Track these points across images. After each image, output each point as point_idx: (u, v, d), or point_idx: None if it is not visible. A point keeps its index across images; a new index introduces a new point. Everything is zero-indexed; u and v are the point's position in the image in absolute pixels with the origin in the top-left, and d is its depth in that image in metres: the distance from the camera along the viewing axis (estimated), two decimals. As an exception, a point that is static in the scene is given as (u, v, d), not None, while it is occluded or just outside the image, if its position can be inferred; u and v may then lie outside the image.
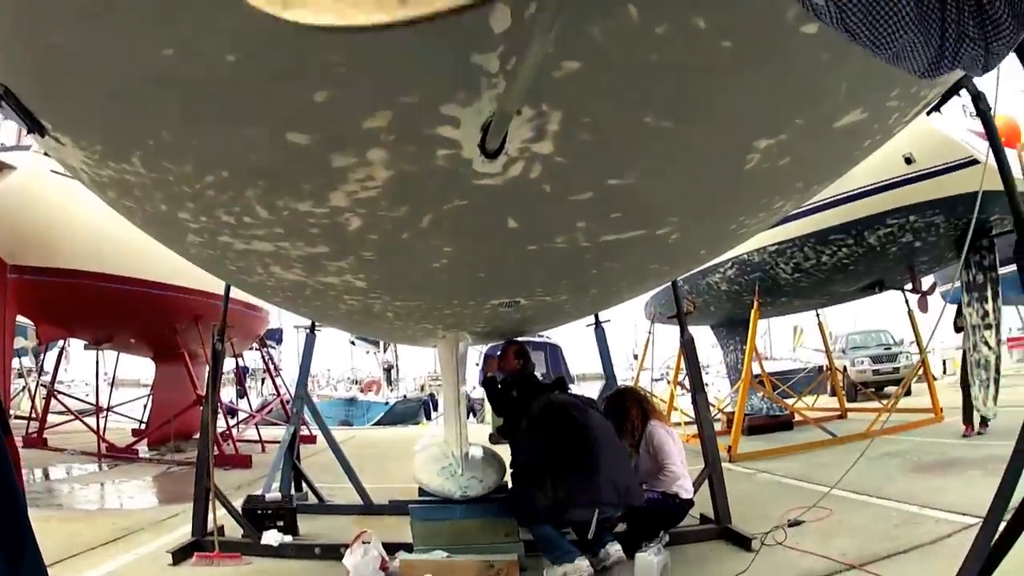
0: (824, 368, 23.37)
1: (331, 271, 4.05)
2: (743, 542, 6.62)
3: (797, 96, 2.60)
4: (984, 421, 10.36)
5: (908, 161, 9.94)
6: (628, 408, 7.10)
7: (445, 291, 4.81)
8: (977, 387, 10.21)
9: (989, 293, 10.15)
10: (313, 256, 3.75)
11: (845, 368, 21.12)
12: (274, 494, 7.87)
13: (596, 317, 9.67)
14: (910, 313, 14.83)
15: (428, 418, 33.81)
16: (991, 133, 4.23)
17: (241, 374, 20.83)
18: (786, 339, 37.21)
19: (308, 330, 9.53)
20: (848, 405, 17.21)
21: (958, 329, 11.29)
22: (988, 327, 10.12)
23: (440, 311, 5.42)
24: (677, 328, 7.97)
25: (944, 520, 6.59)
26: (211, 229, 3.47)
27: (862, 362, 22.77)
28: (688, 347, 7.93)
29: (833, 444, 12.25)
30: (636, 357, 40.85)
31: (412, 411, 34.18)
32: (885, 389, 20.65)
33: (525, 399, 6.91)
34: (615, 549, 6.05)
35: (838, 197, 10.78)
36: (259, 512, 7.33)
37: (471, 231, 3.46)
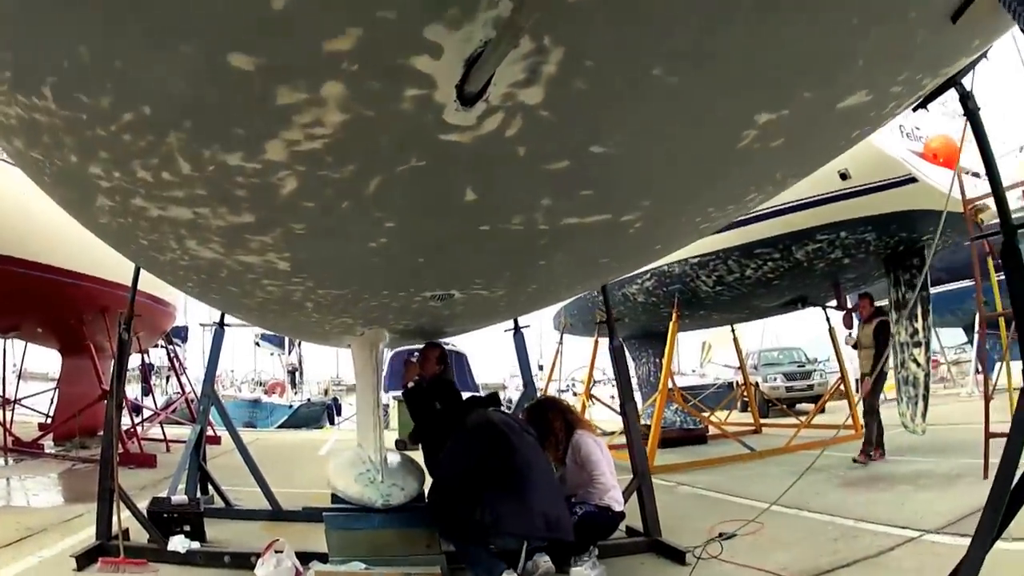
0: (735, 384, 23.51)
1: (253, 248, 3.56)
2: (676, 555, 6.31)
3: (815, 63, 2.43)
4: (880, 447, 10.36)
5: (843, 177, 9.74)
6: (551, 419, 6.69)
7: (377, 278, 4.40)
8: (905, 404, 10.20)
9: (919, 311, 10.09)
10: (235, 228, 3.26)
11: (757, 384, 21.00)
12: (180, 497, 7.30)
13: (515, 322, 9.30)
14: (831, 330, 14.77)
15: (332, 423, 32.95)
16: (979, 132, 4.01)
17: (147, 371, 20.00)
18: (694, 355, 37.28)
19: (216, 325, 9.05)
20: (761, 421, 17.08)
21: (855, 346, 11.35)
22: (917, 345, 10.11)
23: (366, 302, 4.98)
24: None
25: (884, 533, 6.43)
26: (124, 189, 2.96)
27: (775, 378, 22.80)
28: (618, 354, 7.57)
29: (752, 458, 12.14)
30: (541, 368, 40.99)
31: (316, 415, 33.38)
32: (796, 406, 20.56)
33: (449, 409, 6.61)
34: (544, 561, 5.73)
35: (767, 211, 10.40)
36: (165, 516, 6.83)
37: (422, 202, 3.05)
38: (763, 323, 19.74)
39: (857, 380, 11.18)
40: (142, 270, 6.76)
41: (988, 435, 8.27)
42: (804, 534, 6.75)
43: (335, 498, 6.31)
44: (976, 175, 9.40)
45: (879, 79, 2.66)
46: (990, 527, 3.64)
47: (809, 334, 24.74)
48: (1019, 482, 3.67)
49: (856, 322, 11.69)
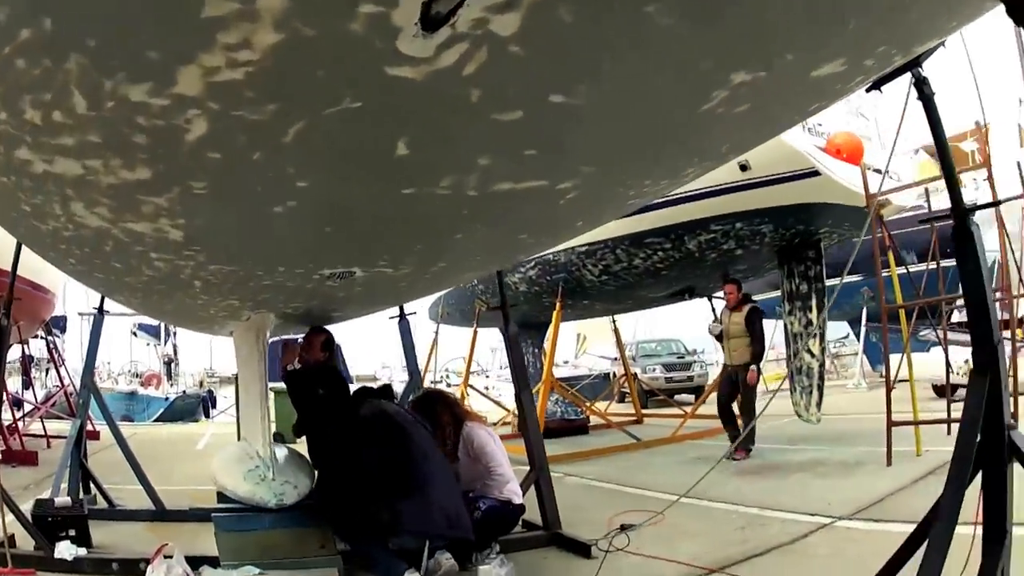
0: (611, 375, 23.51)
1: (145, 213, 3.08)
2: (581, 549, 6.05)
3: (813, 21, 2.19)
4: (746, 447, 9.96)
5: (743, 168, 9.59)
6: (439, 413, 6.31)
7: (275, 252, 3.93)
8: (799, 393, 10.24)
9: (813, 303, 10.19)
10: (128, 186, 2.78)
11: (636, 375, 21.06)
12: (63, 499, 6.72)
13: (401, 309, 8.88)
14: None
15: (207, 415, 32.30)
16: (933, 119, 3.87)
17: (27, 362, 18.91)
18: (569, 346, 37.12)
19: (96, 311, 8.41)
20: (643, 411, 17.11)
21: (719, 336, 10.96)
22: (812, 335, 10.23)
23: (258, 281, 4.51)
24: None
25: (792, 520, 6.38)
26: (9, 137, 2.48)
27: (654, 369, 22.76)
28: (514, 341, 7.30)
29: (637, 448, 12.05)
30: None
31: (191, 408, 32.53)
32: (675, 397, 20.63)
33: (334, 398, 6.11)
34: (446, 559, 5.51)
35: (659, 200, 10.30)
36: (50, 520, 6.28)
37: (344, 156, 2.62)
38: (636, 315, 19.75)
39: (726, 367, 10.68)
40: (22, 253, 6.27)
41: (891, 424, 8.42)
42: (708, 524, 6.61)
43: (221, 497, 5.75)
44: (877, 171, 9.50)
45: (860, 48, 2.49)
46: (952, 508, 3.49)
47: (684, 326, 25.18)
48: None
49: (722, 310, 11.18)
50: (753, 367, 10.14)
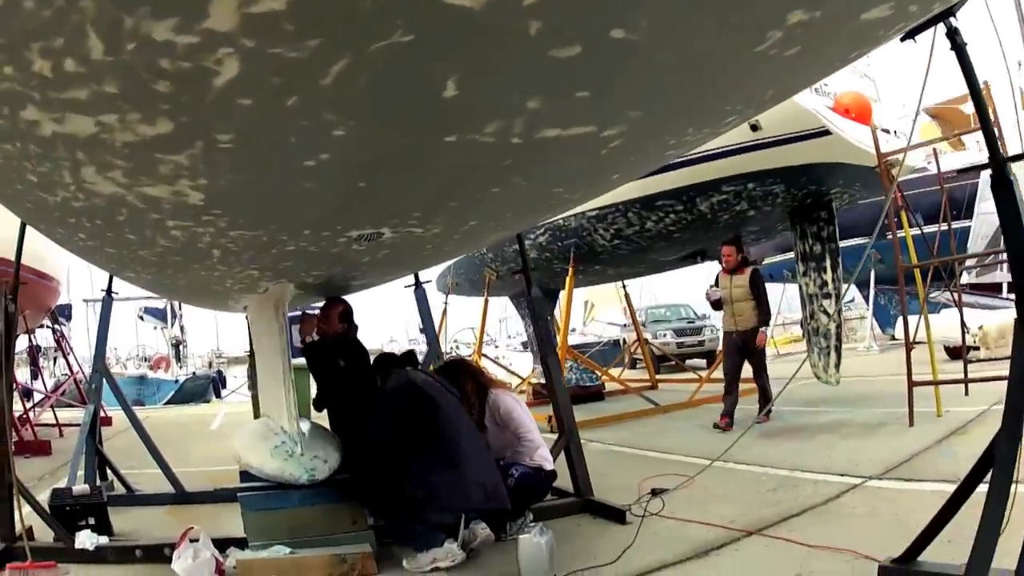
0: (622, 342, 23.33)
1: (163, 174, 2.83)
2: (614, 514, 5.89)
3: None
4: (729, 414, 9.78)
5: (754, 128, 9.33)
6: (463, 382, 6.07)
7: (302, 213, 3.68)
8: (816, 355, 10.02)
9: (828, 263, 10.00)
10: (146, 144, 2.52)
11: (647, 341, 20.90)
12: (81, 487, 6.50)
13: (417, 277, 8.66)
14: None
15: (218, 396, 32.24)
16: (968, 69, 3.75)
17: (35, 352, 18.69)
18: (577, 313, 37.23)
19: (104, 293, 8.18)
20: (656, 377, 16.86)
21: (715, 306, 10.59)
22: (827, 296, 10.00)
23: (282, 247, 4.25)
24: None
25: (823, 481, 6.29)
26: (15, 95, 2.21)
27: (665, 335, 22.41)
28: (537, 305, 7.07)
29: (655, 413, 11.89)
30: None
31: (202, 389, 32.37)
32: (687, 362, 20.47)
33: (356, 369, 5.98)
34: (481, 529, 5.37)
35: (670, 161, 10.09)
36: (68, 509, 6.08)
37: (390, 98, 2.36)
38: (641, 282, 19.51)
39: (730, 334, 10.20)
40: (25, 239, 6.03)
41: (911, 384, 8.23)
42: (739, 487, 6.49)
43: (245, 475, 5.52)
44: (886, 131, 9.42)
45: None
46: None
47: (686, 292, 25.01)
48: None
49: (718, 274, 10.66)
50: (763, 329, 9.88)
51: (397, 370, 5.76)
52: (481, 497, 4.95)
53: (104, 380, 7.99)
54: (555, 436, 6.63)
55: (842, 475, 6.33)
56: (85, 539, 5.68)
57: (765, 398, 9.59)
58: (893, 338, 20.70)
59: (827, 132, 9.19)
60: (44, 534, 5.94)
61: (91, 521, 6.01)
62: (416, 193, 3.59)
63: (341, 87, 2.17)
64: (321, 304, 6.45)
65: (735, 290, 10.06)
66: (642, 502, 6.01)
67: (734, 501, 6.00)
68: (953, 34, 3.67)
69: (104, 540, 5.76)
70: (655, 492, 6.30)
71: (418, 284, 8.75)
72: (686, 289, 25.26)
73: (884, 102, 10.49)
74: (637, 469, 7.51)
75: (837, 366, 9.87)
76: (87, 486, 6.58)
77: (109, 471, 8.07)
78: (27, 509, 5.74)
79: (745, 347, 9.97)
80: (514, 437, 5.91)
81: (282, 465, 5.20)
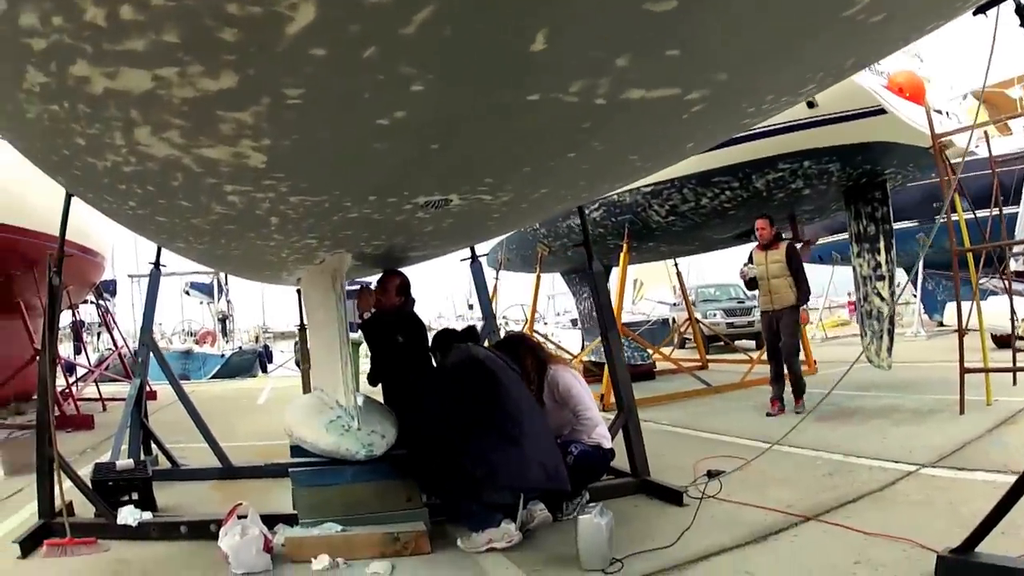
0: (670, 321, 23.04)
1: (224, 134, 2.65)
2: (671, 496, 5.76)
3: None
4: (778, 398, 9.43)
5: (811, 105, 9.11)
6: (522, 357, 5.87)
7: (371, 176, 3.46)
8: (869, 338, 9.78)
9: (882, 244, 9.73)
10: (207, 100, 2.34)
11: (697, 320, 20.65)
12: (125, 461, 6.39)
13: (473, 250, 8.38)
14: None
15: (264, 371, 32.12)
16: None
17: (79, 327, 18.74)
18: (626, 291, 37.00)
19: (152, 267, 8.02)
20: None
21: (749, 285, 10.07)
22: (881, 278, 9.76)
23: (344, 214, 4.04)
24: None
25: (879, 468, 6.18)
26: (65, 48, 2.04)
27: (715, 315, 22.21)
28: (599, 279, 6.80)
29: (707, 393, 11.72)
30: (471, 307, 40.41)
31: (248, 363, 32.26)
32: (736, 343, 20.18)
33: (414, 344, 5.85)
34: (539, 510, 5.16)
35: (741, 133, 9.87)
36: (111, 484, 5.97)
37: (475, 50, 2.17)
38: (688, 260, 19.20)
39: (767, 313, 9.68)
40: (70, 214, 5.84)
41: (963, 371, 8.04)
42: (794, 470, 6.39)
43: (296, 450, 5.40)
44: (938, 112, 9.22)
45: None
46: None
47: (730, 271, 24.64)
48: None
49: (752, 250, 10.22)
50: (803, 307, 9.53)
51: (458, 345, 5.60)
52: (542, 476, 4.77)
53: (151, 353, 7.86)
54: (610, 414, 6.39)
55: (896, 462, 6.24)
56: (127, 515, 5.55)
57: (796, 384, 9.33)
58: (940, 324, 20.29)
59: (882, 111, 8.97)
60: (85, 510, 5.82)
61: (134, 496, 5.92)
62: (490, 157, 3.41)
63: (423, 37, 1.99)
64: (377, 277, 6.29)
65: (771, 266, 9.59)
66: (698, 484, 5.84)
67: (790, 485, 5.90)
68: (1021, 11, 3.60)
69: (148, 516, 5.62)
70: (711, 474, 6.10)
71: (474, 257, 8.42)
72: (734, 268, 24.98)
73: (934, 83, 10.23)
74: (692, 450, 7.40)
75: (890, 350, 9.62)
76: (131, 460, 6.50)
77: (154, 445, 7.99)
78: (68, 484, 5.64)
79: (780, 326, 9.52)
80: (573, 414, 5.74)
81: (338, 440, 5.02)
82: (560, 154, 3.43)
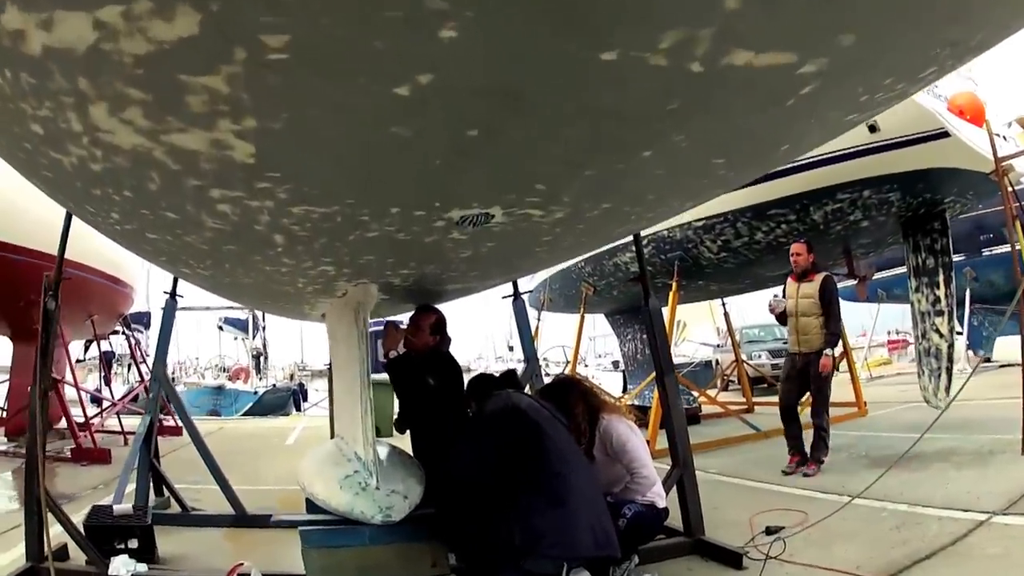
0: (713, 363, 22.15)
1: (196, 109, 1.95)
2: (729, 558, 5.04)
3: None
4: (798, 451, 8.14)
5: (872, 129, 8.41)
6: (572, 404, 5.06)
7: (390, 177, 2.67)
8: (927, 376, 9.04)
9: (941, 278, 8.97)
10: (165, 55, 1.68)
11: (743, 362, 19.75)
12: (123, 506, 5.75)
13: (515, 286, 7.66)
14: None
15: (298, 409, 31.31)
16: None
17: (108, 358, 18.23)
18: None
19: (168, 295, 7.36)
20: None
21: (781, 316, 8.63)
22: (940, 314, 8.97)
23: (361, 232, 3.26)
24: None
25: (948, 518, 5.48)
26: None
27: (759, 356, 21.16)
28: (655, 318, 6.05)
29: (757, 439, 10.76)
30: (511, 349, 39.59)
31: (282, 401, 31.43)
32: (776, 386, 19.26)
33: (447, 388, 5.20)
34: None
35: (783, 167, 9.10)
36: (107, 529, 5.38)
37: None
38: (729, 300, 18.34)
39: (793, 355, 8.36)
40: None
41: None
42: (858, 524, 5.63)
43: (311, 504, 4.68)
44: (997, 135, 8.43)
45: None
46: None
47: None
48: None
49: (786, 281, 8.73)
50: (828, 352, 7.92)
51: (496, 392, 4.79)
52: (590, 543, 4.00)
53: (162, 388, 7.22)
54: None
55: (965, 510, 5.57)
56: (120, 566, 5.01)
57: (821, 440, 7.99)
58: (987, 360, 19.28)
59: (945, 134, 8.26)
60: (81, 555, 5.32)
61: (132, 544, 5.35)
62: (546, 154, 2.61)
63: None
64: (409, 315, 5.60)
65: (802, 300, 8.17)
66: (757, 543, 5.22)
67: (857, 541, 5.20)
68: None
69: (143, 568, 5.07)
70: (770, 531, 5.49)
71: (516, 295, 7.73)
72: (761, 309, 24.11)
73: (990, 106, 9.46)
74: (745, 502, 6.67)
75: (948, 389, 8.82)
76: (130, 505, 5.85)
77: (164, 487, 7.36)
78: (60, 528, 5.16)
79: (806, 374, 8.07)
80: (627, 471, 4.98)
81: (352, 500, 4.24)
82: (634, 152, 2.67)
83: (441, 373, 5.21)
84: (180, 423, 12.20)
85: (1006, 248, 8.67)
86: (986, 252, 9.40)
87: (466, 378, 5.52)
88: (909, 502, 6.01)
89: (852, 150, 8.65)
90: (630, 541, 4.59)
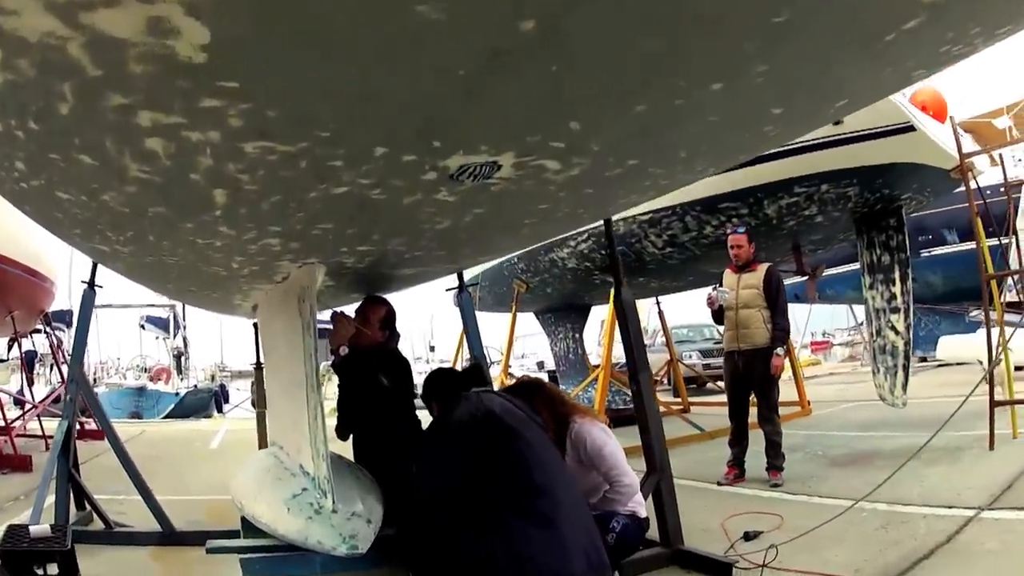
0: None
1: None
2: (716, 568, 4.55)
3: None
4: (738, 464, 7.33)
5: (836, 122, 7.83)
6: (537, 408, 4.15)
7: (389, 98, 1.83)
8: (883, 375, 8.60)
9: (897, 275, 8.54)
10: None
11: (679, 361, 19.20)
12: (41, 527, 4.82)
13: (460, 279, 6.99)
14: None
15: (219, 411, 29.97)
16: None
17: (30, 359, 16.84)
18: (593, 334, 35.58)
19: (86, 285, 6.28)
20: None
21: (716, 316, 7.70)
22: (895, 311, 8.55)
23: (329, 185, 2.39)
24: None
25: (933, 515, 5.20)
26: None
27: (691, 356, 20.54)
28: (629, 311, 5.30)
29: (701, 439, 10.17)
30: (433, 349, 38.68)
31: (203, 403, 29.99)
32: (708, 386, 18.76)
33: (400, 390, 4.45)
34: None
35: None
36: (24, 554, 4.52)
37: None
38: (651, 301, 17.87)
39: (732, 354, 7.45)
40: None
41: (993, 404, 7.35)
42: (840, 525, 5.08)
43: (248, 526, 3.78)
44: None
45: None
46: None
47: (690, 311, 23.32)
48: None
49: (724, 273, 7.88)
50: (779, 351, 7.07)
51: (464, 394, 3.88)
52: (584, 566, 3.22)
53: (80, 390, 6.26)
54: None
55: (950, 507, 5.31)
56: None
57: (776, 446, 7.11)
58: (922, 360, 19.17)
59: (911, 128, 7.81)
60: None
61: (51, 571, 4.50)
62: (599, 72, 1.85)
63: None
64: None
65: (743, 292, 7.31)
66: (738, 550, 4.80)
67: (846, 544, 4.79)
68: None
69: None
70: (748, 536, 5.08)
71: (462, 286, 6.98)
72: (700, 309, 23.75)
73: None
74: (712, 506, 6.15)
75: (904, 387, 8.44)
76: (48, 526, 4.95)
77: (86, 502, 6.49)
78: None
79: (750, 374, 7.22)
80: (605, 480, 4.32)
81: (306, 526, 3.30)
82: (704, 82, 2.00)
83: (393, 373, 4.47)
84: (96, 424, 11.23)
85: (945, 249, 8.40)
86: (924, 253, 9.21)
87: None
88: (887, 501, 5.54)
89: (812, 142, 8.16)
90: (617, 557, 4.00)
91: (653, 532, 4.86)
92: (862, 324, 30.85)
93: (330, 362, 4.69)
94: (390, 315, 4.67)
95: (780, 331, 7.16)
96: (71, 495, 6.14)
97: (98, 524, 6.37)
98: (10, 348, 17.71)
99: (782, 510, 5.64)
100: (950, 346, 14.75)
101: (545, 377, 18.81)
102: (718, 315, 7.57)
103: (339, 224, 2.94)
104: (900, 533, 4.90)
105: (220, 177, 2.22)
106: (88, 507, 6.48)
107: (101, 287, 6.38)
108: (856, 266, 9.37)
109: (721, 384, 16.44)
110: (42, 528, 4.83)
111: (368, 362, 4.41)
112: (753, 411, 7.40)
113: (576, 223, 4.33)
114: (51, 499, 5.84)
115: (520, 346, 39.70)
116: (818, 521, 5.06)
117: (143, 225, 2.91)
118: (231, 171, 2.17)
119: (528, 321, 17.74)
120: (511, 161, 2.35)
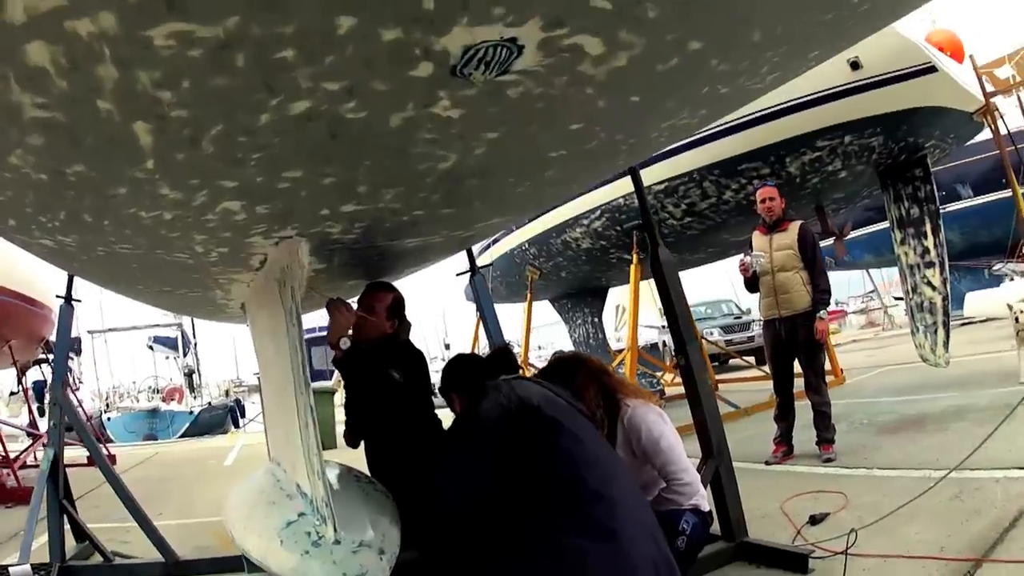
0: (660, 344, 21.24)
1: None
2: (789, 561, 3.99)
3: None
4: (785, 440, 6.71)
5: (855, 66, 7.38)
6: (580, 386, 3.60)
7: None
8: (922, 334, 8.06)
9: (928, 227, 8.02)
10: None
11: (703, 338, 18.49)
12: (22, 568, 4.41)
13: (471, 260, 6.41)
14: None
15: (236, 426, 29.64)
16: None
17: (39, 389, 16.25)
18: (608, 319, 34.86)
19: (63, 300, 5.74)
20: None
21: (752, 279, 6.81)
22: (930, 265, 8.02)
23: (285, 98, 1.64)
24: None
25: (1006, 479, 4.72)
26: None
27: (711, 333, 19.72)
28: (669, 273, 4.63)
29: (737, 417, 9.55)
30: (448, 347, 38.18)
31: (219, 419, 29.89)
32: (730, 361, 18.05)
33: (416, 385, 3.72)
34: None
35: (752, 115, 8.00)
36: None
37: None
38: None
39: (772, 322, 6.75)
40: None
41: None
42: (909, 499, 4.45)
43: (249, 561, 3.00)
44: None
45: None
46: None
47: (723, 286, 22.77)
48: None
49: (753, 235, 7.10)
50: (822, 313, 6.50)
51: (491, 382, 3.14)
52: None
53: (64, 413, 5.63)
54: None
55: (1020, 467, 4.84)
56: None
57: (826, 417, 6.51)
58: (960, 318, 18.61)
59: (933, 69, 7.26)
60: None
61: None
62: None
63: None
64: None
65: (776, 254, 6.63)
66: (805, 535, 4.35)
67: (921, 519, 4.26)
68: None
69: None
70: (815, 520, 4.58)
71: (474, 269, 6.38)
72: (715, 284, 23.16)
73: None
74: (764, 488, 5.54)
75: (946, 345, 7.98)
76: (28, 566, 4.41)
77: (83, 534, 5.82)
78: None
79: (794, 342, 6.61)
80: (662, 476, 3.65)
81: (302, 563, 2.57)
82: None
83: (406, 367, 3.74)
84: (115, 451, 10.76)
85: (959, 205, 7.85)
86: (998, 196, 8.83)
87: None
88: (948, 467, 4.85)
89: (832, 91, 7.62)
90: (687, 563, 3.40)
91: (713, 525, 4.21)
92: (874, 291, 30.27)
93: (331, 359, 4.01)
94: (397, 302, 3.95)
95: (822, 292, 6.53)
96: (67, 527, 5.58)
97: (96, 560, 5.78)
98: (20, 380, 17.27)
99: (843, 487, 5.13)
100: (978, 302, 14.18)
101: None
102: (752, 283, 6.85)
103: (311, 169, 2.18)
104: (977, 501, 4.41)
105: (134, 97, 1.51)
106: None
107: (79, 301, 5.88)
108: (872, 229, 8.83)
109: (746, 359, 15.88)
110: (23, 569, 4.32)
111: (375, 355, 3.71)
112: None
113: (609, 165, 3.51)
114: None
115: (536, 337, 39.30)
116: (883, 495, 4.75)
117: (70, 199, 2.19)
118: (146, 85, 1.47)
119: (544, 310, 17.30)
120: (536, 38, 1.61)
